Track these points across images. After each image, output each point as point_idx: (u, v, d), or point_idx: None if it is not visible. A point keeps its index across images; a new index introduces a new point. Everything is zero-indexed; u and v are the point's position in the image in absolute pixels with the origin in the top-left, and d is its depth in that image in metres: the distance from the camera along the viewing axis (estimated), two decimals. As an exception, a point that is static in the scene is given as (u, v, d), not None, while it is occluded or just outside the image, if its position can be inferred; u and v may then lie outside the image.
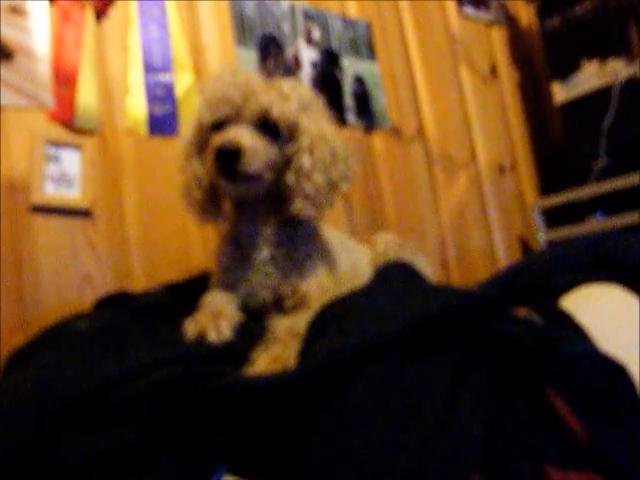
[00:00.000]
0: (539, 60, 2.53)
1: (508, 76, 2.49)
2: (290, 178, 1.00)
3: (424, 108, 2.12)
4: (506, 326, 0.79)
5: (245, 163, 0.94)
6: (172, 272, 1.48)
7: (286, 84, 1.02)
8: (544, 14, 2.27)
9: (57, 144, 1.38)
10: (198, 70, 1.62)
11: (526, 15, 2.64)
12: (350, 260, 1.24)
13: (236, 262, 1.09)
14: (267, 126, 0.98)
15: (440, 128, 2.16)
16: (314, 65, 1.82)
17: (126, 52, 1.52)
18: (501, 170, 2.34)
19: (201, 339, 0.90)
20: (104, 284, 1.40)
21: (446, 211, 2.10)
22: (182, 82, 1.58)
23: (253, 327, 0.98)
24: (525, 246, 2.30)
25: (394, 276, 1.10)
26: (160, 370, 0.81)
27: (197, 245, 1.55)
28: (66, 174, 1.38)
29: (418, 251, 1.39)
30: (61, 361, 0.89)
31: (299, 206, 1.00)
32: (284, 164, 1.01)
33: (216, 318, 0.94)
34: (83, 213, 1.39)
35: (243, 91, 0.97)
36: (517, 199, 2.37)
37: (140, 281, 1.45)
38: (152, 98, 1.54)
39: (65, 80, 1.40)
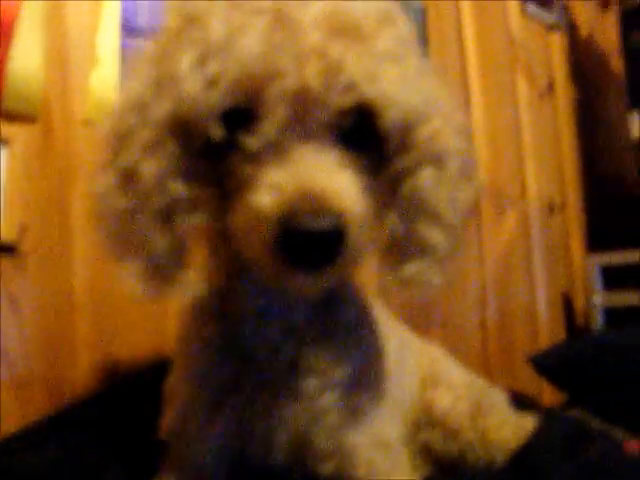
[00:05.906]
0: (596, 78, 2.11)
1: (564, 94, 2.04)
2: (395, 222, 0.53)
3: (477, 126, 1.67)
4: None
5: (350, 246, 0.45)
6: (133, 337, 0.98)
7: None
8: (629, 27, 1.83)
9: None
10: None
11: (586, 23, 2.20)
12: (404, 378, 0.78)
13: (225, 363, 0.59)
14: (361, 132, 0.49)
15: (491, 152, 1.70)
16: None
17: (96, 2, 1.01)
18: (550, 209, 1.90)
19: None
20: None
21: (491, 259, 1.65)
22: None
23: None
24: (568, 306, 1.87)
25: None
26: None
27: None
28: (-20, 184, 0.86)
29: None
30: None
31: (415, 270, 0.53)
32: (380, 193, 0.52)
33: None
34: (4, 249, 0.87)
35: (323, 63, 0.44)
36: (564, 246, 1.94)
37: (84, 356, 0.94)
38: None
39: (-7, 32, 0.87)
